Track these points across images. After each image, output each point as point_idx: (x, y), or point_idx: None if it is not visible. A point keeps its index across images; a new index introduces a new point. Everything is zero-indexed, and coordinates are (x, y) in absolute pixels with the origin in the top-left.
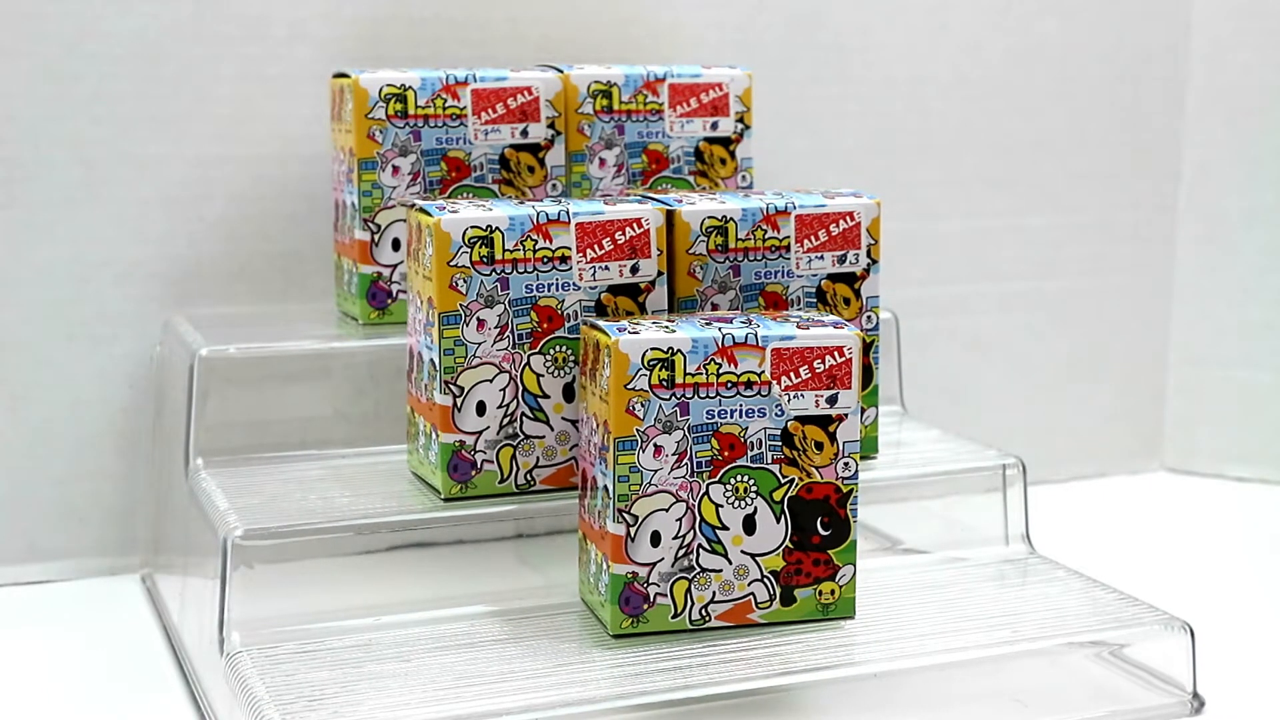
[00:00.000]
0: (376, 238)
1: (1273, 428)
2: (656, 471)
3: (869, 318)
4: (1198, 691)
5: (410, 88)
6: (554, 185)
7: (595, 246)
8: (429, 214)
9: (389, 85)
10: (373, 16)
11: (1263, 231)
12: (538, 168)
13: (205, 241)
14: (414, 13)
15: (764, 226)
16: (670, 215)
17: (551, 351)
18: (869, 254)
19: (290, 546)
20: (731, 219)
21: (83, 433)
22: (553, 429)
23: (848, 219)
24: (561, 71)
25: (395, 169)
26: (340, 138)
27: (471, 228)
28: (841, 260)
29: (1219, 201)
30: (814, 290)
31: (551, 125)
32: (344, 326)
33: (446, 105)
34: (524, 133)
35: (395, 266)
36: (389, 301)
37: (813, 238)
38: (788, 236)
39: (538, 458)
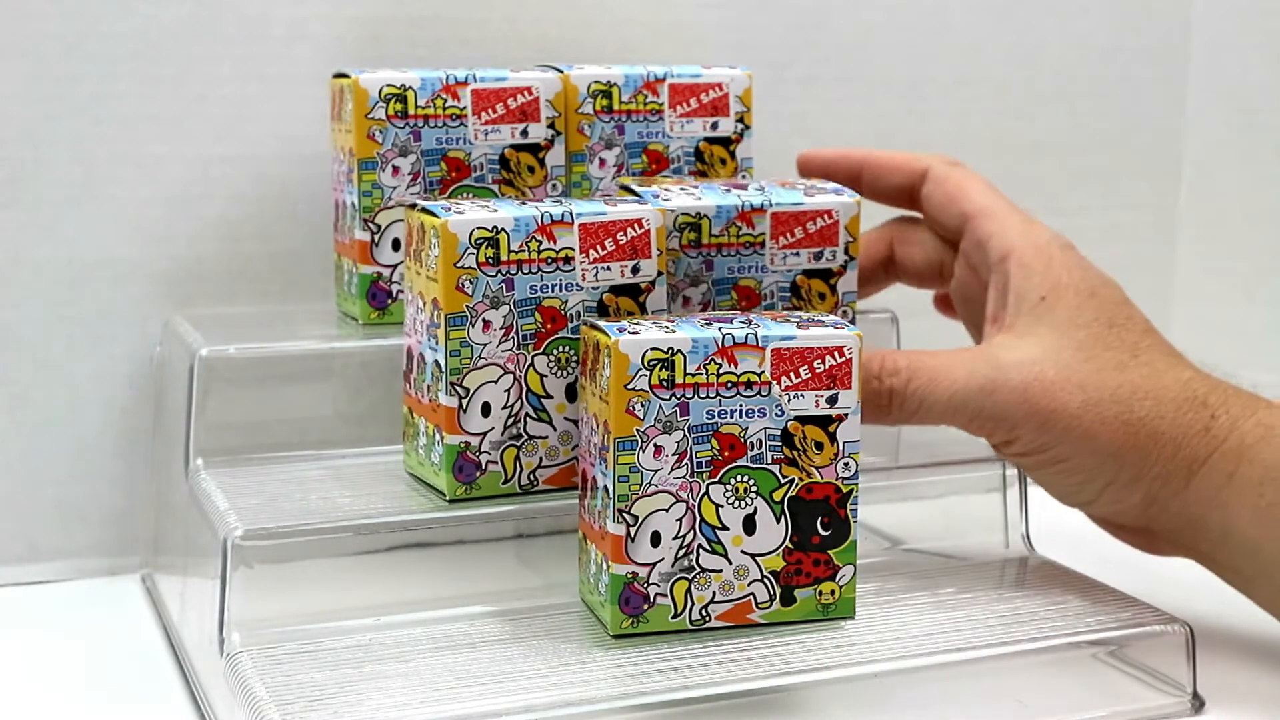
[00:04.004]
0: (376, 238)
1: None
2: (656, 472)
3: (844, 313)
4: (1198, 691)
5: (410, 88)
6: (554, 185)
7: (597, 247)
8: (434, 215)
9: (389, 85)
10: (373, 16)
11: (1263, 231)
12: (538, 168)
13: (205, 241)
14: (414, 13)
15: (739, 224)
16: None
17: (555, 352)
18: (846, 251)
19: (290, 546)
20: (705, 216)
21: (83, 433)
22: (555, 429)
23: (825, 216)
24: (561, 71)
25: (395, 169)
26: (340, 138)
27: (478, 229)
28: (817, 257)
29: (1219, 201)
30: (788, 286)
31: (551, 125)
32: (344, 326)
33: (446, 105)
34: (524, 133)
35: (395, 266)
36: (389, 301)
37: (788, 234)
38: (763, 233)
39: (540, 458)
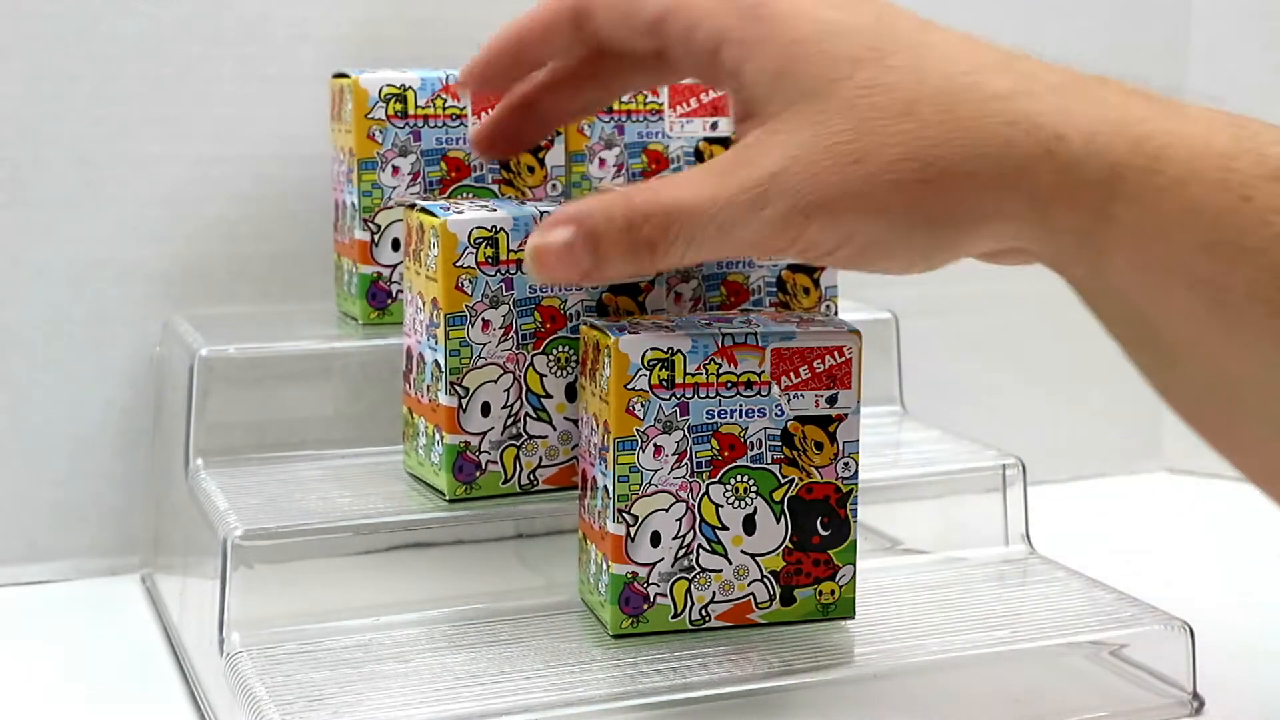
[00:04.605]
0: (376, 238)
1: None
2: (656, 471)
3: (827, 306)
4: (1198, 691)
5: (410, 88)
6: (554, 185)
7: None
8: (434, 215)
9: (389, 85)
10: (373, 16)
11: None
12: (538, 168)
13: (205, 241)
14: (414, 13)
15: None
16: None
17: (554, 351)
18: None
19: (290, 546)
20: None
21: (83, 433)
22: (555, 429)
23: None
24: None
25: (395, 169)
26: (340, 138)
27: (477, 228)
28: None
29: None
30: (774, 280)
31: None
32: (344, 326)
33: (446, 105)
34: None
35: (395, 266)
36: (389, 301)
37: None
38: None
39: (540, 458)
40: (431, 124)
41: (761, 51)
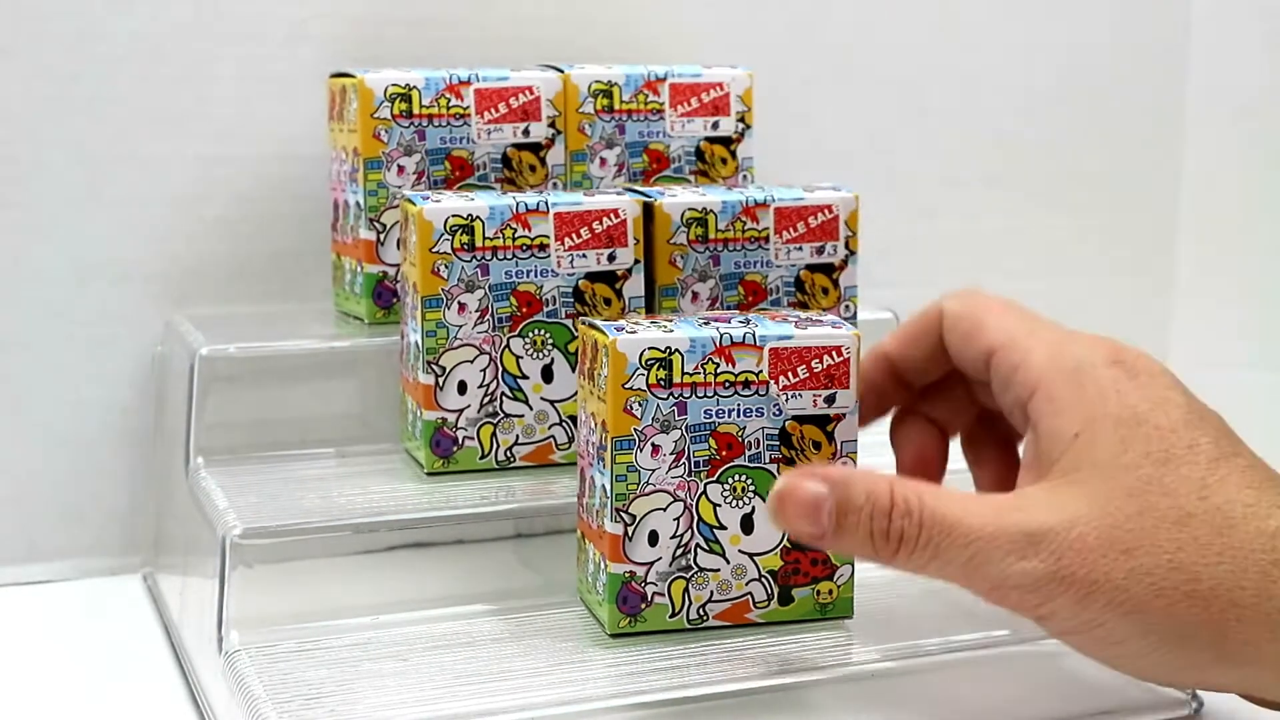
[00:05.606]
0: (382, 237)
1: (1273, 427)
2: (654, 471)
3: (846, 306)
4: (1197, 692)
5: (415, 87)
6: (555, 184)
7: (573, 235)
8: (413, 203)
9: (394, 85)
10: (373, 16)
11: (1263, 231)
12: (539, 167)
13: (205, 241)
14: (414, 13)
15: (744, 218)
16: (649, 207)
17: (530, 334)
18: (847, 245)
19: (289, 546)
20: (711, 210)
21: (83, 433)
22: (531, 408)
23: (826, 212)
24: (562, 71)
25: (400, 168)
26: (342, 137)
27: (453, 216)
28: (820, 251)
29: (1219, 201)
30: (793, 280)
31: (552, 125)
32: (344, 325)
33: (450, 105)
34: (525, 132)
35: (400, 266)
36: (395, 301)
37: (791, 229)
38: (767, 228)
39: (517, 435)
40: (436, 124)
41: (1067, 414)
